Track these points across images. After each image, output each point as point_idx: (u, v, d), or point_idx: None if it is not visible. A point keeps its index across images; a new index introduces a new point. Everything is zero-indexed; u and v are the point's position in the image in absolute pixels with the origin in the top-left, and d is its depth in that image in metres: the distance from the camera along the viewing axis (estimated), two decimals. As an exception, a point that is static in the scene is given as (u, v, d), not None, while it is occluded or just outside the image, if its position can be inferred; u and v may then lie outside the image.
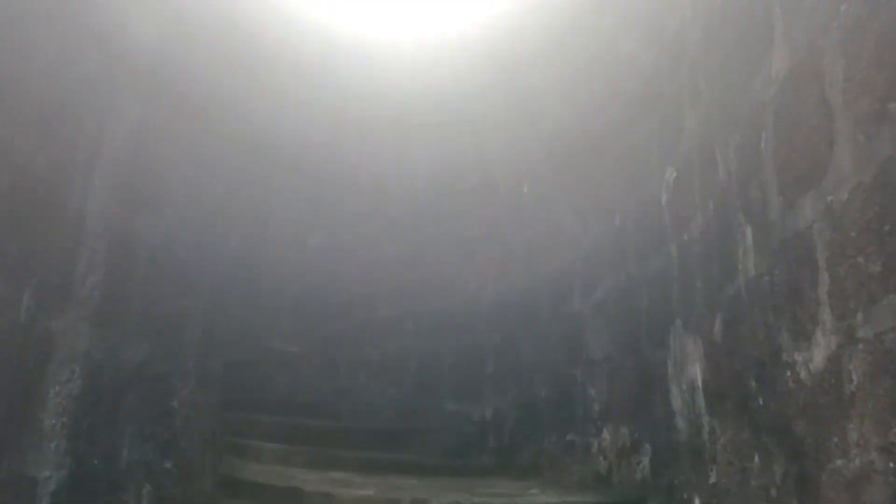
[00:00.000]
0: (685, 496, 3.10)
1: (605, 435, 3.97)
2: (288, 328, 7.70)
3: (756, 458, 2.41)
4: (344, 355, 6.79)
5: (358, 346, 6.63)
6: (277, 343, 7.45)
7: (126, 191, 2.57)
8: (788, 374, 2.01)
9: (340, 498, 3.32)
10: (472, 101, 5.89)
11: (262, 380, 7.03)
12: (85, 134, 2.40)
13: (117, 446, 2.48)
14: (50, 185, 2.26)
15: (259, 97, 4.25)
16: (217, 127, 3.21)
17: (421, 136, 6.62)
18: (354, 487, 3.62)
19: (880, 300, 1.54)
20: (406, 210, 6.53)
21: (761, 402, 2.27)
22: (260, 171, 6.42)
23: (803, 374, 1.91)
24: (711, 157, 2.76)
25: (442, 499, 3.39)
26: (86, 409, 2.34)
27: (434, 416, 5.50)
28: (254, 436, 4.85)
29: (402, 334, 6.12)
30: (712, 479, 2.88)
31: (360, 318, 6.73)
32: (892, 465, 1.49)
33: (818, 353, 1.81)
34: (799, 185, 1.92)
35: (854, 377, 1.62)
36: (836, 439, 1.71)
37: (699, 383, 3.01)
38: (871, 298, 1.58)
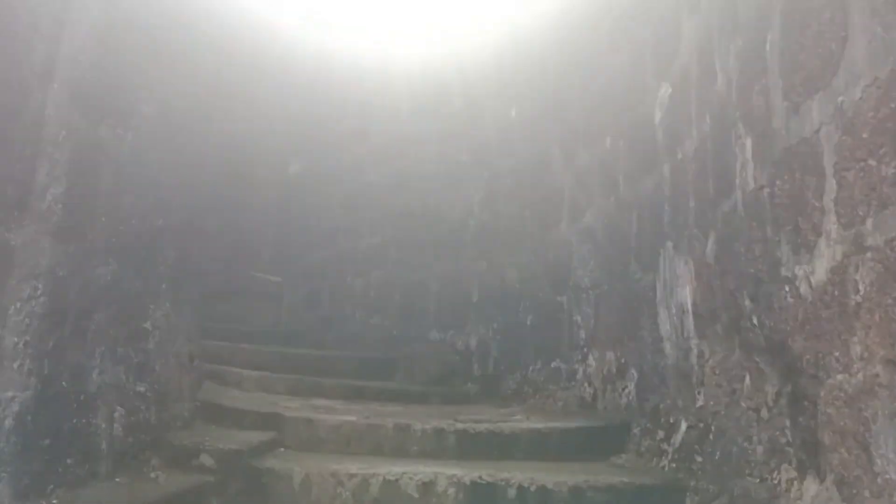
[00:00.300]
0: (671, 420, 3.06)
1: (591, 361, 3.92)
2: (270, 257, 7.59)
3: (746, 380, 2.35)
4: (328, 284, 6.70)
5: (342, 276, 6.54)
6: (260, 272, 7.35)
7: (88, 97, 2.40)
8: (787, 289, 1.92)
9: (322, 423, 3.27)
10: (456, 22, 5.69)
11: (244, 309, 6.95)
12: (41, 33, 2.22)
13: (87, 367, 2.38)
14: (3, 89, 2.09)
15: None
16: (193, 29, 3.02)
17: (405, 64, 6.40)
18: (337, 413, 3.57)
19: (893, 203, 1.44)
20: (390, 135, 6.36)
21: (755, 321, 2.19)
22: (241, 80, 6.20)
23: (803, 289, 1.82)
24: (710, 68, 2.62)
25: (425, 424, 3.34)
26: (51, 327, 2.23)
27: (418, 345, 5.45)
28: (236, 363, 4.78)
29: (387, 262, 6.03)
30: (699, 403, 2.84)
31: (343, 247, 6.62)
32: (897, 377, 1.41)
33: (821, 265, 1.71)
34: (806, 88, 1.80)
35: (861, 287, 1.53)
36: (837, 354, 1.63)
37: (689, 306, 2.93)
38: (882, 203, 1.48)
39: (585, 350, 4.00)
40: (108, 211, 2.49)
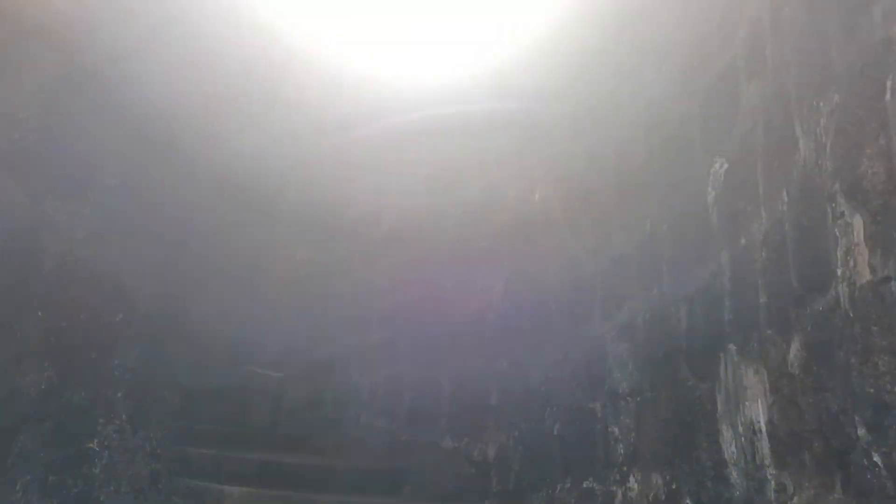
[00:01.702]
0: (743, 569, 2.46)
1: (633, 483, 3.32)
2: (273, 351, 7.06)
3: (860, 533, 1.77)
4: (332, 382, 6.15)
5: (347, 373, 5.99)
6: (258, 368, 6.80)
7: (29, 163, 1.96)
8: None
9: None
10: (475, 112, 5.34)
11: (240, 409, 6.38)
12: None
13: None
14: None
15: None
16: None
17: (421, 146, 6.05)
18: (330, 544, 2.98)
19: None
20: (405, 220, 5.94)
21: (876, 459, 1.64)
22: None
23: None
24: (785, 134, 2.16)
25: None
26: (-49, 453, 1.72)
27: (429, 455, 4.84)
28: (221, 477, 4.19)
29: (396, 359, 5.48)
30: (783, 551, 2.24)
31: (350, 342, 6.10)
32: None
33: None
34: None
35: None
36: None
37: (762, 426, 2.37)
38: None
39: (625, 469, 3.40)
40: (45, 304, 2.01)
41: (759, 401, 2.39)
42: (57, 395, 2.03)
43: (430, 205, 5.66)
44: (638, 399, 3.37)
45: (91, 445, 2.19)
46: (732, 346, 2.61)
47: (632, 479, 3.33)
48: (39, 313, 1.97)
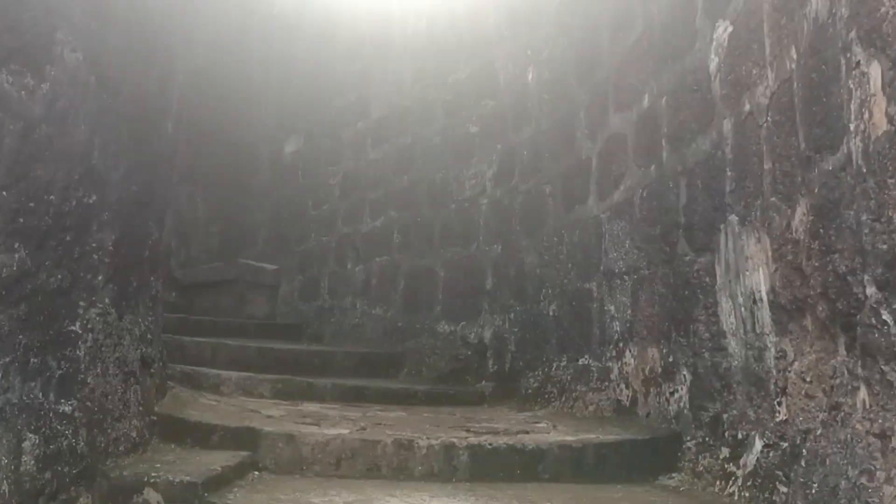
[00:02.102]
0: (739, 435, 2.46)
1: (628, 359, 3.32)
2: (265, 243, 7.01)
3: (862, 393, 1.74)
4: (327, 273, 6.12)
5: (342, 263, 5.95)
6: (253, 259, 6.77)
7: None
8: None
9: (306, 440, 2.68)
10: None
11: (235, 300, 6.39)
12: None
13: (-18, 384, 1.80)
14: None
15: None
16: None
17: (406, 25, 5.78)
18: (328, 424, 2.99)
19: None
20: (392, 108, 5.75)
21: (886, 317, 1.58)
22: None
23: None
24: (798, -16, 2.00)
25: (432, 438, 2.75)
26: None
27: (426, 338, 4.86)
28: (218, 363, 4.21)
29: (390, 248, 5.43)
30: (780, 416, 2.23)
31: (343, 232, 6.03)
32: None
33: None
34: None
35: None
36: None
37: (763, 294, 2.32)
38: None
39: (621, 345, 3.39)
40: (10, 183, 1.89)
41: (761, 270, 2.33)
42: (31, 277, 1.94)
43: (419, 91, 5.46)
44: (634, 277, 3.33)
45: (72, 328, 2.12)
46: (734, 217, 2.53)
47: (627, 354, 3.33)
48: (3, 193, 1.86)
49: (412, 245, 5.23)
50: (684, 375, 2.86)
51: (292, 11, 7.32)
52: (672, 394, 2.95)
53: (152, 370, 2.77)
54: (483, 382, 4.34)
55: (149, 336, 2.84)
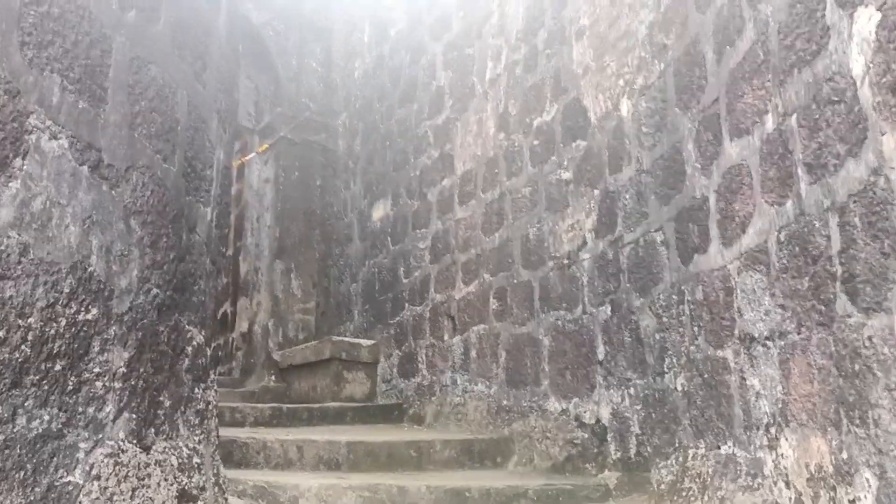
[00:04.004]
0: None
1: (786, 449, 2.60)
2: (360, 313, 6.63)
3: None
4: (424, 345, 5.63)
5: (438, 334, 5.45)
6: (350, 334, 6.38)
7: None
8: None
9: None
10: None
11: (331, 381, 5.99)
12: None
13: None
14: None
15: None
16: None
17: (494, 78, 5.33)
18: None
19: None
20: (478, 160, 5.27)
21: None
22: None
23: None
24: None
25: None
26: None
27: (535, 419, 4.25)
28: (305, 463, 3.76)
29: (487, 314, 4.88)
30: None
31: (436, 300, 5.54)
32: None
33: None
34: None
35: None
36: None
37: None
38: None
39: (773, 431, 2.68)
40: None
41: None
42: (4, 425, 1.53)
43: (503, 139, 4.97)
44: (781, 343, 2.63)
45: (70, 479, 1.71)
46: (920, 265, 1.84)
47: (784, 443, 2.61)
48: None
49: (510, 311, 4.67)
50: (867, 479, 2.14)
51: (372, 71, 7.06)
52: (853, 502, 2.22)
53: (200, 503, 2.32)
54: (605, 472, 3.67)
55: (195, 461, 2.41)
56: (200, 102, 2.55)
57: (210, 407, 2.63)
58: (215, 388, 2.76)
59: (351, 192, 7.08)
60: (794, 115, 2.52)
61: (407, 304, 5.87)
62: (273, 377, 6.52)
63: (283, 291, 6.89)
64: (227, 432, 4.56)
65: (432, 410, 5.24)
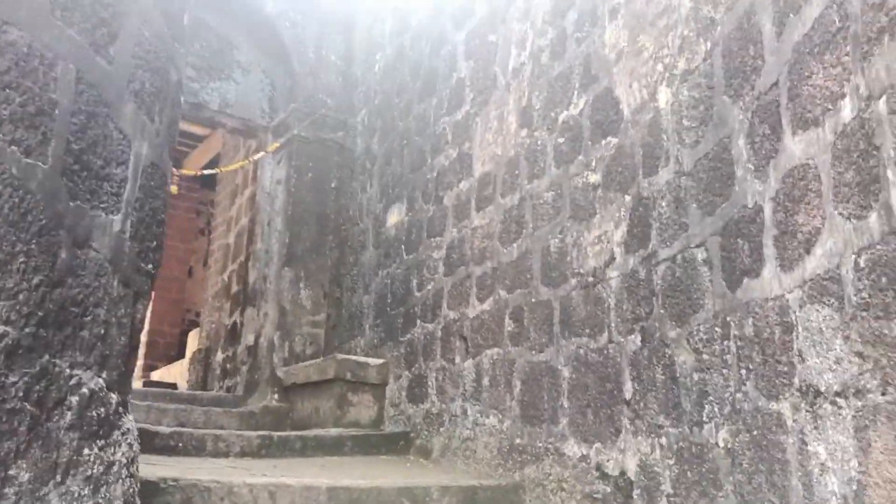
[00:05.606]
0: None
1: (863, 545, 1.94)
2: (371, 328, 6.06)
3: None
4: (434, 368, 5.03)
5: (449, 357, 4.85)
6: (360, 351, 5.82)
7: None
8: None
9: None
10: None
11: (334, 403, 5.44)
12: None
13: None
14: None
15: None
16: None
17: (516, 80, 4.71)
18: None
19: None
20: (497, 161, 4.67)
21: None
22: None
23: None
24: None
25: None
26: None
27: (550, 464, 3.62)
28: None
29: (502, 337, 4.26)
30: None
31: (449, 317, 4.95)
32: None
33: None
34: None
35: None
36: None
37: None
38: None
39: (845, 518, 2.02)
40: None
41: None
42: None
43: (525, 137, 4.34)
44: (858, 404, 1.96)
45: None
46: None
47: (859, 535, 1.95)
48: None
49: (527, 334, 4.04)
50: None
51: (392, 64, 6.51)
52: None
53: None
54: (629, 538, 3.03)
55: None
56: (101, 81, 2.00)
57: (116, 469, 2.08)
58: (130, 440, 2.21)
59: (367, 195, 6.53)
60: (883, 98, 1.86)
61: (419, 321, 5.28)
62: (276, 396, 6.00)
63: (291, 302, 6.36)
64: (202, 465, 4.03)
65: (440, 443, 4.63)
